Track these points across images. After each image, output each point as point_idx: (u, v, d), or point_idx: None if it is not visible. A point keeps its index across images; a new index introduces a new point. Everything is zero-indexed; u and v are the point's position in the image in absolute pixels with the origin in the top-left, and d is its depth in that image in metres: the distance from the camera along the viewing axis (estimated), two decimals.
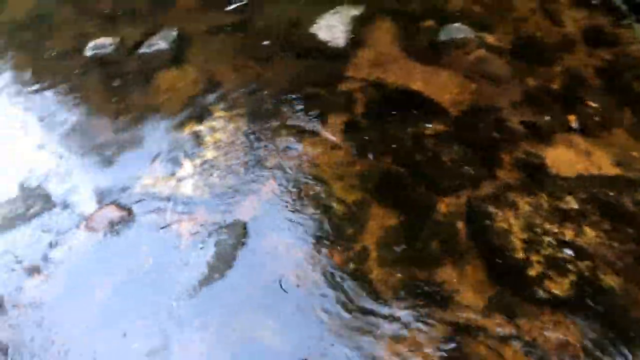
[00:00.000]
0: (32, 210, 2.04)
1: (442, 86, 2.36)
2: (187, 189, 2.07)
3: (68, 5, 3.27)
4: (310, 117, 2.33)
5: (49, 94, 2.68)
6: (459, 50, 2.55)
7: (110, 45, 2.88)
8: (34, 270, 1.86)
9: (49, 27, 3.11)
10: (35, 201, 2.08)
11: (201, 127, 2.31)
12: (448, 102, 2.29)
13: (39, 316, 1.74)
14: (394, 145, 2.14)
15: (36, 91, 2.71)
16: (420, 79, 2.41)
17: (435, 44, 2.61)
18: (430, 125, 2.20)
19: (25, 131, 2.48)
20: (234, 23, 2.98)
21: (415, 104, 2.31)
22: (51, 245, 1.92)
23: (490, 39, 2.62)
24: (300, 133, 2.27)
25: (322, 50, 2.67)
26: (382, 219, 1.90)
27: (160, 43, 2.84)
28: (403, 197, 1.97)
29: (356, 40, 2.68)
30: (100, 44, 2.89)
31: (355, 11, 2.84)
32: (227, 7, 3.04)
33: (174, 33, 2.89)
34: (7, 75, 2.88)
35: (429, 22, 2.74)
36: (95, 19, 3.15)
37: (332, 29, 2.75)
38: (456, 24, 2.67)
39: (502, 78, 2.41)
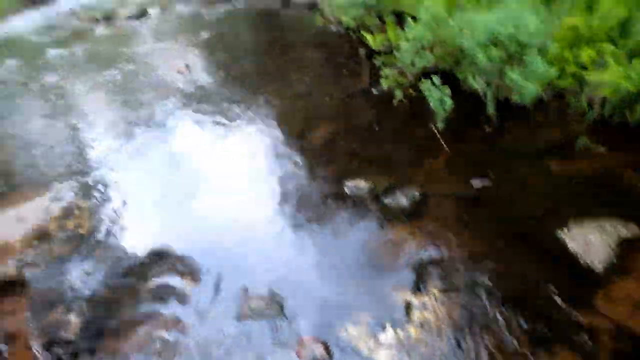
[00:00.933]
0: (269, 312, 2.62)
1: None
2: (380, 357, 2.21)
3: (345, 146, 4.17)
4: (536, 341, 2.09)
5: (306, 216, 3.44)
6: None
7: (364, 187, 3.53)
8: None
9: (327, 161, 4.08)
10: (274, 306, 2.66)
11: (414, 299, 2.46)
12: None
13: None
14: None
15: (300, 212, 3.55)
16: None
17: None
18: None
19: (291, 246, 3.17)
20: (474, 196, 3.13)
21: None
22: (258, 356, 2.36)
23: None
24: (518, 356, 2.06)
25: (567, 261, 2.42)
26: None
27: (401, 198, 3.28)
28: None
29: (619, 266, 2.29)
30: (357, 185, 3.58)
31: (628, 231, 2.45)
32: (472, 179, 3.24)
33: (416, 192, 3.28)
34: (289, 196, 3.72)
35: None
36: (358, 160, 3.92)
37: (588, 243, 2.43)
38: None
39: None
